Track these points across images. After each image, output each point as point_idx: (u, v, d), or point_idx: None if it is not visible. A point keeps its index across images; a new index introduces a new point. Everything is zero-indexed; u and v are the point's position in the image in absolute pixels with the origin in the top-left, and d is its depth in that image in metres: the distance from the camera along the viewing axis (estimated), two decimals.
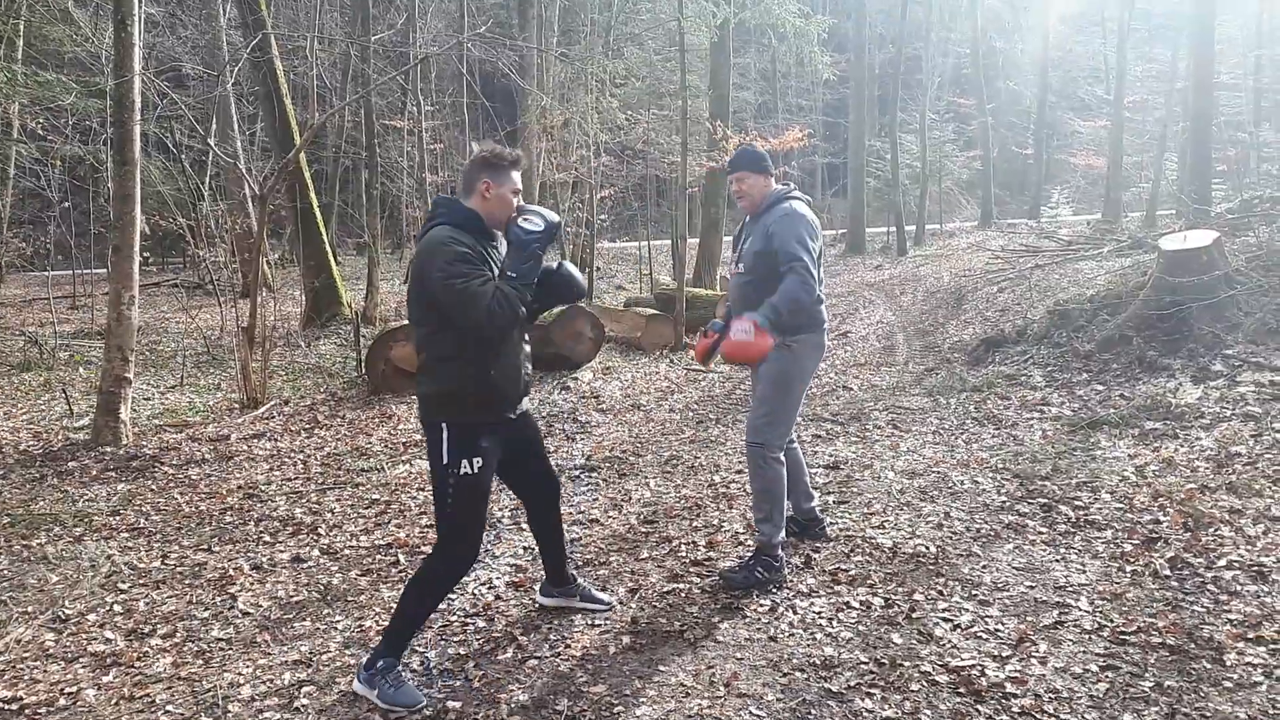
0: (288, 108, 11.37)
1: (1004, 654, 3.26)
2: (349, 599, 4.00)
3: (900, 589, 3.83)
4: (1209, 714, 2.85)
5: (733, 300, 4.10)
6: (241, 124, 16.72)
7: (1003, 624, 3.48)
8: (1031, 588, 3.80)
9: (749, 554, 4.05)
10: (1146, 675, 3.08)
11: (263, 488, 5.80)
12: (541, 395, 8.19)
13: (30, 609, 4.03)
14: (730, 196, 14.59)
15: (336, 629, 3.70)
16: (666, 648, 3.41)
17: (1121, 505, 4.68)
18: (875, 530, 4.52)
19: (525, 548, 4.52)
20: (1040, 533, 4.40)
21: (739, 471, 5.67)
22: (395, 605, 3.14)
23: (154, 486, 5.90)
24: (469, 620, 3.72)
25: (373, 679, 3.04)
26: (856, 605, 3.70)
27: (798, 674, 3.19)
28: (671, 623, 3.60)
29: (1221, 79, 21.32)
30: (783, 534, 3.95)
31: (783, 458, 3.96)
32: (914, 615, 3.58)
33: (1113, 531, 4.36)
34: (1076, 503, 4.77)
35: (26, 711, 3.12)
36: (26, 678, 3.38)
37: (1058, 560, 4.07)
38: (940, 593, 3.78)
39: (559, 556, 3.70)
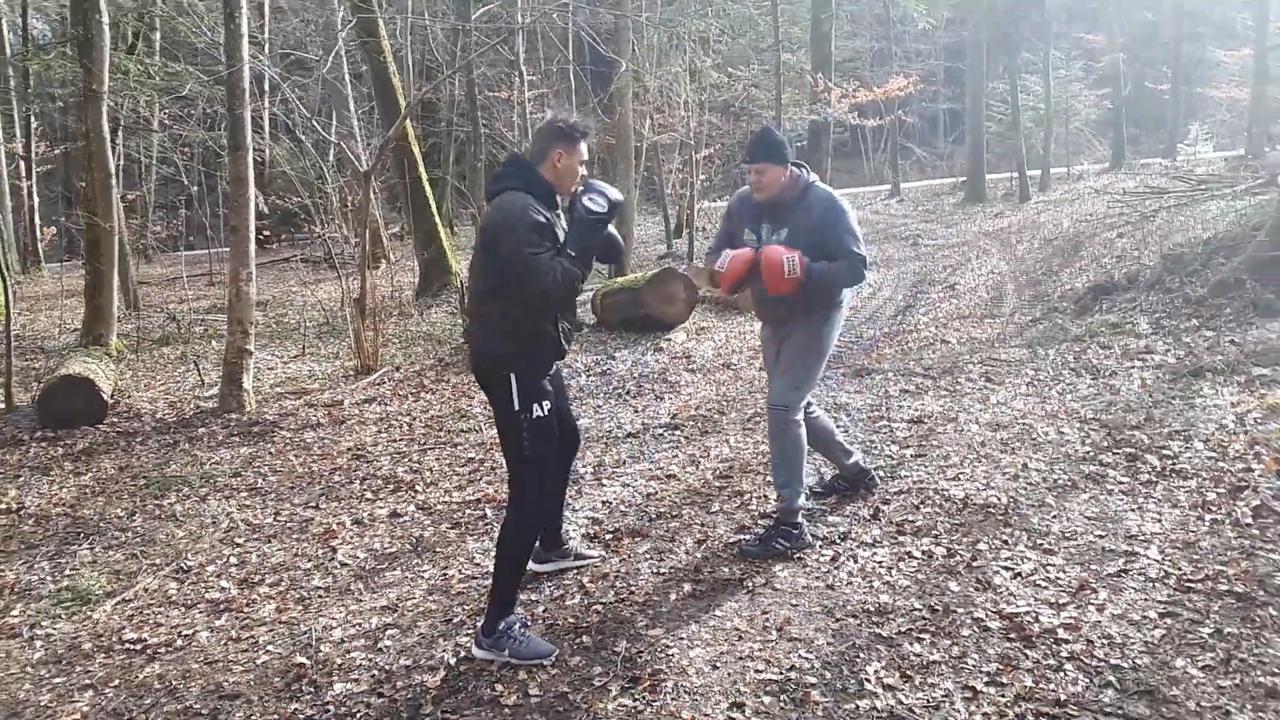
0: (394, 85, 11.80)
1: (1061, 601, 3.26)
2: (437, 550, 4.29)
3: (965, 539, 3.85)
4: (1266, 660, 2.80)
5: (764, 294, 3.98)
6: (359, 103, 17.39)
7: (1064, 572, 3.47)
8: (1101, 536, 3.75)
9: (770, 524, 4.04)
10: (1207, 622, 3.04)
11: (369, 449, 6.19)
12: (635, 356, 8.37)
13: (157, 561, 4.49)
14: (824, 147, 14.20)
15: (423, 578, 3.99)
16: (725, 594, 3.54)
17: (1214, 454, 4.53)
18: (949, 483, 4.52)
19: (604, 502, 4.72)
20: (1121, 482, 4.31)
21: None
22: (494, 569, 3.24)
23: (272, 450, 6.37)
24: (545, 572, 3.93)
25: (499, 641, 3.14)
26: (918, 555, 3.75)
27: (850, 620, 3.28)
28: (733, 571, 3.73)
29: None
30: (804, 499, 3.97)
31: (802, 422, 3.97)
32: (974, 564, 3.61)
33: (1199, 481, 4.24)
34: (1165, 452, 4.63)
35: (148, 651, 3.52)
36: (151, 622, 3.80)
37: (1133, 509, 3.99)
38: (1005, 542, 3.78)
39: (558, 516, 3.81)
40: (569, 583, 3.76)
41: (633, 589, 3.65)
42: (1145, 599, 3.23)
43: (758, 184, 3.87)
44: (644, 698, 2.89)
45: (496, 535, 3.31)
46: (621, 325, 9.46)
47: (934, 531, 3.96)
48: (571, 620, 3.44)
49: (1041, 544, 3.74)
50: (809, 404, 4.17)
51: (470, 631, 3.37)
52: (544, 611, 3.52)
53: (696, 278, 11.20)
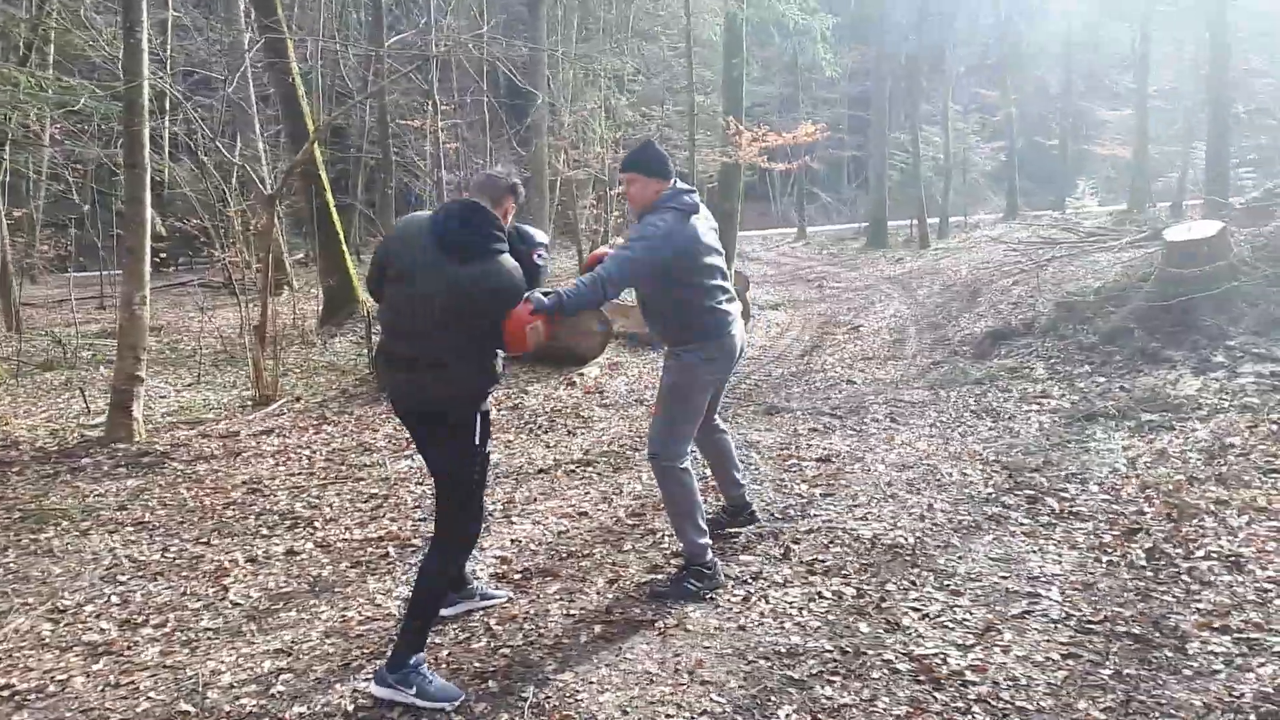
0: (303, 108, 11.53)
1: (968, 643, 3.30)
2: (336, 590, 4.11)
3: (874, 579, 3.88)
4: (1164, 701, 2.88)
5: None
6: (265, 125, 16.95)
7: (971, 613, 3.52)
8: (1005, 578, 3.83)
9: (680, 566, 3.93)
10: (1107, 663, 3.11)
11: (266, 483, 5.93)
12: (547, 390, 8.28)
13: (31, 600, 4.17)
14: (735, 189, 14.42)
15: (320, 619, 3.81)
16: (637, 636, 3.47)
17: (1108, 497, 4.69)
18: (857, 522, 4.56)
19: (513, 540, 4.61)
20: (1022, 524, 4.42)
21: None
22: (412, 602, 3.14)
23: (162, 482, 6.05)
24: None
25: (407, 677, 3.03)
26: (829, 595, 3.75)
27: (762, 662, 3.25)
28: (645, 613, 3.67)
29: (1251, 64, 20.97)
30: (704, 540, 3.83)
31: (689, 467, 3.82)
32: (884, 605, 3.63)
33: (1095, 523, 4.37)
34: (1063, 494, 4.78)
35: (16, 698, 3.25)
36: (21, 666, 3.51)
37: (1035, 551, 4.09)
38: (913, 583, 3.82)
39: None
40: (475, 625, 3.64)
41: (542, 631, 3.56)
42: (1048, 640, 3.29)
43: (627, 194, 3.83)
44: None
45: (419, 567, 3.22)
46: (533, 359, 9.36)
47: (844, 571, 3.97)
48: (478, 664, 3.32)
49: (948, 584, 3.79)
50: (716, 423, 4.19)
51: (370, 675, 3.22)
52: (448, 655, 3.39)
53: (613, 313, 11.21)
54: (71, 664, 3.52)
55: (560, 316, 3.37)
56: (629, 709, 2.98)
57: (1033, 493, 4.82)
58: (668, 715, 2.94)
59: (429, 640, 3.42)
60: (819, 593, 3.78)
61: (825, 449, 5.97)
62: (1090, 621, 3.40)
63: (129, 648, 3.64)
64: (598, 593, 3.90)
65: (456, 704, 3.01)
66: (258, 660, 3.45)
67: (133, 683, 3.34)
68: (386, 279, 3.20)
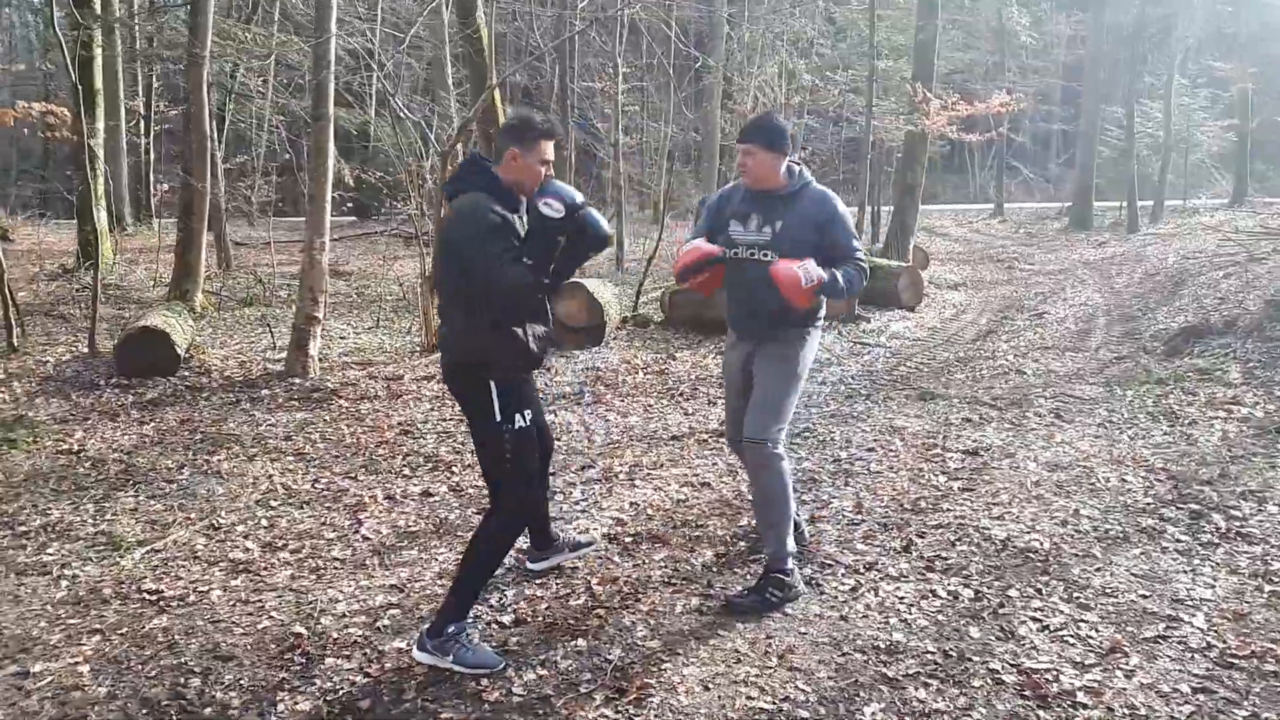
0: (487, 66, 11.86)
1: (1087, 662, 3.05)
2: (457, 534, 4.27)
3: (996, 583, 3.65)
4: None
5: (741, 283, 3.65)
6: (460, 84, 17.63)
7: (1097, 631, 3.25)
8: (1145, 597, 3.51)
9: (760, 574, 3.61)
10: (1244, 703, 2.80)
11: (419, 425, 6.23)
12: (696, 358, 8.26)
13: (193, 516, 4.58)
14: (920, 160, 13.75)
15: (437, 560, 3.98)
16: (732, 613, 3.42)
17: None
18: (991, 521, 4.30)
19: (632, 503, 4.64)
20: (1178, 540, 4.04)
21: (869, 449, 5.53)
22: (460, 571, 3.14)
23: (326, 417, 6.47)
24: (554, 566, 3.88)
25: (445, 644, 3.01)
26: (943, 595, 3.57)
27: (857, 655, 3.13)
28: (744, 591, 3.60)
29: None
30: (793, 544, 3.60)
31: (785, 456, 3.57)
32: (1001, 611, 3.41)
33: (1265, 547, 3.94)
34: (1233, 512, 4.33)
35: (161, 603, 3.58)
36: (172, 574, 3.86)
37: (1186, 571, 3.73)
38: (1038, 591, 3.57)
39: (545, 516, 3.71)
40: (577, 582, 3.70)
41: (640, 597, 3.57)
42: (1180, 670, 3.00)
43: (744, 166, 3.58)
44: (627, 710, 2.81)
45: (472, 536, 3.19)
46: (688, 325, 9.36)
47: (965, 571, 3.76)
48: (572, 622, 3.37)
49: (1078, 597, 3.51)
50: None
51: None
52: (545, 609, 3.47)
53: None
54: (214, 578, 3.84)
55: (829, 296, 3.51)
56: (711, 685, 2.95)
57: (1198, 507, 4.39)
58: (749, 697, 2.88)
59: (531, 593, 3.51)
60: (933, 590, 3.60)
61: (975, 441, 5.66)
62: (1234, 655, 3.07)
63: (265, 569, 3.93)
64: (704, 565, 3.87)
65: (494, 671, 2.99)
66: (373, 593, 3.65)
67: (260, 601, 3.60)
68: None
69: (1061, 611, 3.40)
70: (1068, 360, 8.29)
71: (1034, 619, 3.35)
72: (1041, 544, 4.01)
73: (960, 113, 12.11)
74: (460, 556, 3.78)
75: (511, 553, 3.70)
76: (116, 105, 18.58)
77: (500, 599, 3.56)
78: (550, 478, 3.92)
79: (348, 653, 3.17)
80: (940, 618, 3.39)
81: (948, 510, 4.46)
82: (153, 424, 6.30)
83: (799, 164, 3.69)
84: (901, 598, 3.55)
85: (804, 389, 3.73)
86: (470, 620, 3.14)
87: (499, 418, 3.03)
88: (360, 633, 3.31)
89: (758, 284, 3.49)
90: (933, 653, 3.13)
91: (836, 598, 3.57)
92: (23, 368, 7.60)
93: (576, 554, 3.83)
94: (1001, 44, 28.09)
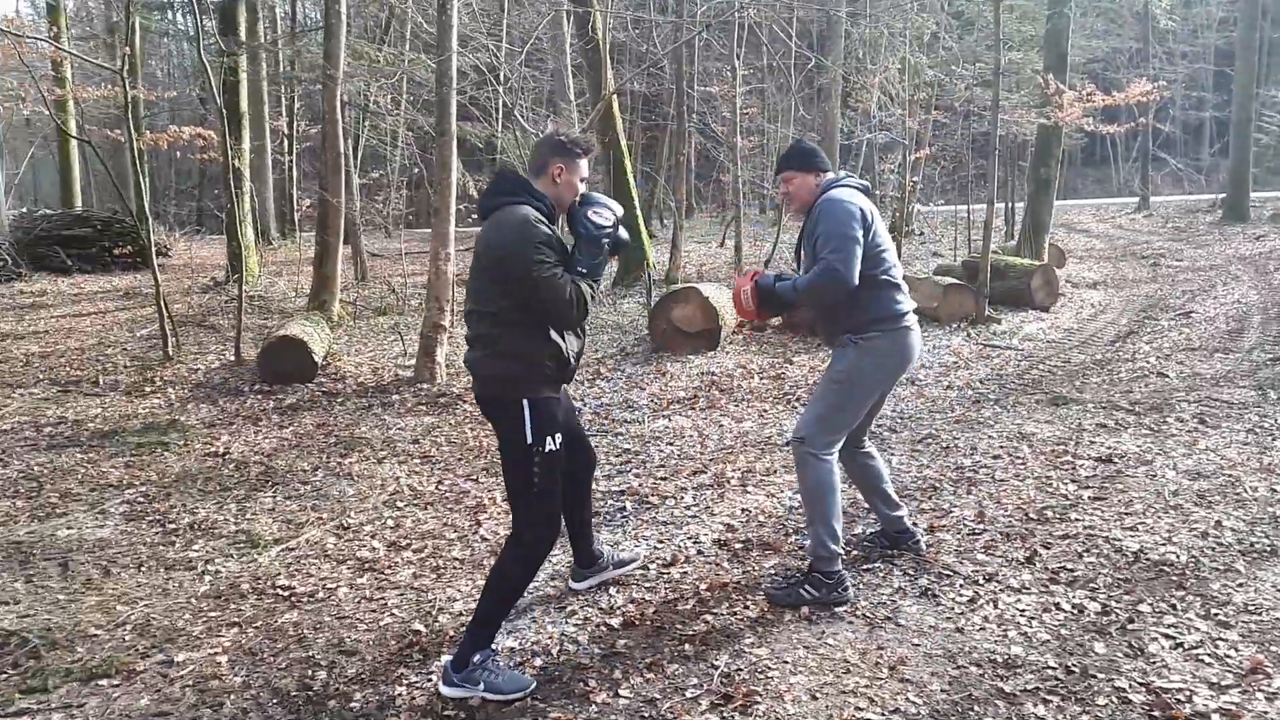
0: (604, 77, 12.07)
1: (1224, 683, 2.86)
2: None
3: (1126, 597, 3.46)
4: None
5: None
6: (579, 95, 17.96)
7: (1236, 650, 3.05)
8: None
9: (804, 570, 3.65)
10: None
11: None
12: (815, 362, 8.14)
13: (325, 516, 4.82)
14: (1053, 154, 13.13)
15: (551, 562, 4.04)
16: (843, 623, 3.37)
17: None
18: (1124, 533, 4.08)
19: (744, 509, 4.62)
20: None
21: (995, 456, 5.34)
22: (483, 597, 3.04)
23: (452, 421, 6.70)
24: (665, 570, 3.91)
25: (472, 674, 2.93)
26: (1068, 608, 3.41)
27: (973, 669, 3.03)
28: (856, 599, 3.54)
29: None
30: (836, 548, 3.48)
31: (834, 461, 3.51)
32: (1130, 626, 3.24)
33: None
34: None
35: (293, 599, 3.79)
36: (304, 572, 4.08)
37: None
38: (1173, 607, 3.37)
39: (588, 534, 3.65)
40: (686, 588, 3.71)
41: (749, 603, 3.55)
42: None
43: (785, 194, 3.63)
44: (732, 717, 2.80)
45: (495, 565, 3.09)
46: (806, 329, 9.25)
47: (1092, 584, 3.59)
48: (679, 626, 3.38)
49: (1216, 614, 3.30)
50: (863, 444, 3.83)
51: (566, 623, 3.38)
52: (654, 613, 3.49)
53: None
54: (342, 575, 4.03)
55: (778, 300, 3.44)
56: (819, 694, 2.91)
57: None
58: (857, 708, 2.83)
59: (637, 596, 3.54)
60: (1057, 604, 3.44)
61: (1109, 448, 5.38)
62: None
63: (389, 567, 4.10)
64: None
65: (526, 693, 2.94)
66: None
67: (384, 599, 3.76)
68: None
69: (1197, 629, 3.20)
70: (1216, 362, 7.78)
71: (1166, 636, 3.17)
72: (1178, 557, 3.78)
73: (1096, 103, 11.51)
74: (570, 558, 3.86)
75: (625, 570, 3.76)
76: (262, 126, 19.72)
77: (610, 602, 3.61)
78: (595, 494, 3.93)
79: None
80: (1063, 632, 3.24)
81: (1076, 520, 4.26)
82: (291, 428, 6.66)
83: (836, 173, 3.62)
84: (1022, 610, 3.42)
85: (858, 399, 3.52)
86: (495, 648, 3.07)
87: (530, 439, 2.97)
88: None
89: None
90: (1054, 668, 3.00)
91: (953, 609, 3.46)
92: (176, 375, 8.16)
93: (621, 571, 3.77)
94: (1145, 29, 26.62)
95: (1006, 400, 6.75)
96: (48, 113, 13.04)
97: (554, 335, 3.00)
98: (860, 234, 3.36)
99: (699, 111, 18.07)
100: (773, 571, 3.84)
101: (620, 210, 3.18)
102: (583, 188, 3.16)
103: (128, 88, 8.75)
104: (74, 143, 16.84)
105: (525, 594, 3.68)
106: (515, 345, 2.96)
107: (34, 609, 3.74)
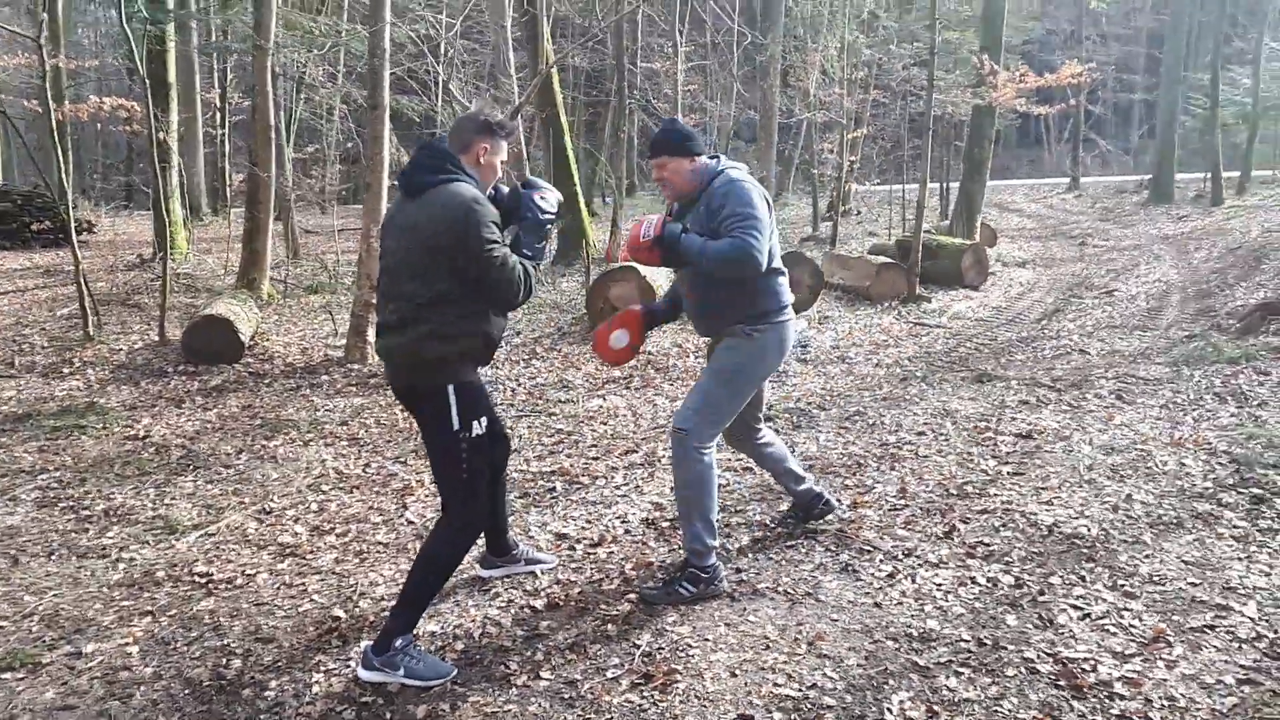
0: (542, 50, 11.93)
1: (1128, 652, 2.96)
2: None
3: (1038, 570, 3.56)
4: None
5: (686, 298, 3.64)
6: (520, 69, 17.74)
7: (1140, 620, 3.15)
8: (1194, 585, 3.39)
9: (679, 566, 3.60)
10: None
11: None
12: None
13: (246, 500, 4.73)
14: (987, 135, 13.33)
15: (477, 544, 4.02)
16: (764, 600, 3.41)
17: None
18: (1040, 506, 4.19)
19: (672, 488, 4.63)
20: (1235, 527, 3.89)
21: (919, 433, 5.43)
22: (409, 582, 3.00)
23: (382, 403, 6.61)
24: (592, 550, 3.91)
25: (393, 659, 2.90)
26: (983, 582, 3.49)
27: (889, 643, 3.09)
28: (779, 577, 3.58)
29: None
30: (711, 541, 3.42)
31: (713, 453, 3.42)
32: (1041, 599, 3.33)
33: None
34: None
35: (209, 586, 3.71)
36: (222, 558, 3.99)
37: (1241, 559, 3.59)
38: (1082, 579, 3.47)
39: (502, 522, 3.62)
40: (612, 568, 3.72)
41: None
42: (1226, 661, 2.89)
43: (659, 179, 3.45)
44: (652, 696, 2.82)
45: (420, 550, 3.06)
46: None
47: (1007, 558, 3.68)
48: (604, 606, 3.39)
49: (1123, 585, 3.41)
50: (758, 428, 3.84)
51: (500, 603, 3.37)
52: (579, 593, 3.50)
53: (830, 263, 10.89)
54: (262, 561, 3.96)
55: (678, 250, 3.21)
56: (738, 671, 2.94)
57: (1260, 492, 4.21)
58: (775, 684, 2.87)
59: (565, 577, 3.54)
60: (972, 578, 3.53)
61: (1030, 424, 5.52)
62: None
63: (311, 552, 4.04)
64: (739, 550, 3.85)
65: (447, 678, 2.92)
66: None
67: (304, 585, 3.70)
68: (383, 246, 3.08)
69: (1104, 599, 3.31)
70: (1135, 340, 8.02)
71: (1075, 607, 3.26)
72: (1089, 530, 3.90)
73: (1029, 84, 11.71)
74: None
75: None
76: (192, 98, 19.13)
77: (535, 584, 3.60)
78: (527, 475, 3.89)
79: None
80: (977, 605, 3.32)
81: (994, 495, 4.36)
82: (215, 410, 6.52)
83: (716, 156, 3.52)
84: (939, 584, 3.49)
85: (744, 392, 3.46)
86: (416, 634, 3.04)
87: (456, 425, 2.92)
88: None
89: (687, 282, 3.55)
90: (967, 641, 3.07)
91: (872, 584, 3.52)
92: (97, 355, 7.92)
93: (531, 568, 3.70)
94: (1080, 11, 27.11)
95: (933, 378, 6.87)
96: None
97: (492, 315, 2.96)
98: (768, 219, 3.32)
99: (640, 88, 17.97)
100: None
101: (560, 197, 3.19)
102: (501, 169, 3.12)
103: (46, 57, 8.40)
104: None
105: (451, 577, 3.68)
106: (449, 327, 2.86)
107: None
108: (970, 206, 14.02)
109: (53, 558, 4.05)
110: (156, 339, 8.31)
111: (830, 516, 4.08)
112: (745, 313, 3.41)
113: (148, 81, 8.80)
